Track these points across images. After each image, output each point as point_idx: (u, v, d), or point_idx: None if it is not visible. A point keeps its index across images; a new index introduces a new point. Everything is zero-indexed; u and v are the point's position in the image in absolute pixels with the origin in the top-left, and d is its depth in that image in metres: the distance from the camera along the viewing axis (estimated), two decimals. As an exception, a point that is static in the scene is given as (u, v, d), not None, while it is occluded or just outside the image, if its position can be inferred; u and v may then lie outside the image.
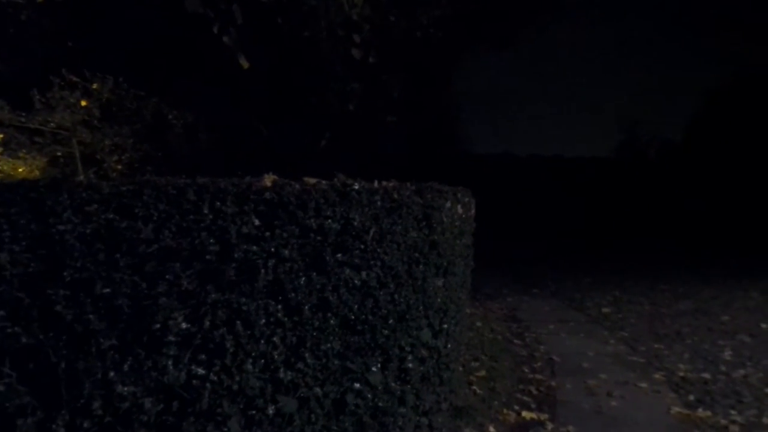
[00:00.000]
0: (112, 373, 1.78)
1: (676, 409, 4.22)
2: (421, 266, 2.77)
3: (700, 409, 4.24)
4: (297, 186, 2.18)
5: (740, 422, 4.00)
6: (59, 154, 9.97)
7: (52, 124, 9.80)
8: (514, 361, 5.40)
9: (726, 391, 4.69)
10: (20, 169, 8.03)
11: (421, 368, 2.86)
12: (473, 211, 4.30)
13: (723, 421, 4.02)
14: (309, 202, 2.15)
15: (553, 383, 4.81)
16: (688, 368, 5.34)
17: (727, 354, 5.83)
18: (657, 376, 5.09)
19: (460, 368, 4.42)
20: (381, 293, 2.45)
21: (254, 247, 1.98)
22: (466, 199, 3.94)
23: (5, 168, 7.57)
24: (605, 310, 7.97)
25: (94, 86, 8.09)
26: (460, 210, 3.49)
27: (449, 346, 3.25)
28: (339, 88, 5.63)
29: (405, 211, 2.61)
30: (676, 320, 7.44)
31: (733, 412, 4.20)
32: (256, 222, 2.02)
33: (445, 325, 3.19)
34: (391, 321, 2.52)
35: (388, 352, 2.53)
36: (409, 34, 6.69)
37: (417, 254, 2.73)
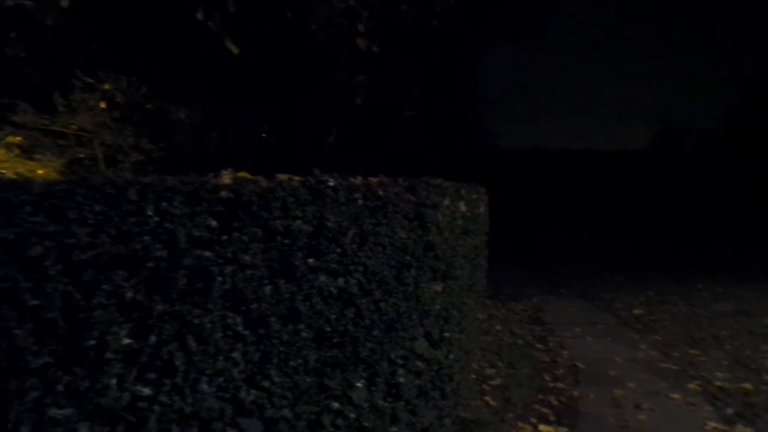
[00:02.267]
0: (44, 395, 1.59)
1: (712, 425, 3.84)
2: (413, 270, 2.51)
3: (739, 425, 3.84)
4: (261, 183, 1.95)
5: (784, 440, 3.61)
6: (82, 155, 10.07)
7: (73, 127, 9.90)
8: (534, 368, 5.07)
9: (769, 404, 4.27)
10: (39, 171, 8.07)
11: (417, 382, 2.60)
12: (483, 209, 4.01)
13: (765, 439, 3.63)
14: (274, 201, 1.91)
15: (576, 393, 4.47)
16: (727, 377, 4.91)
17: (771, 361, 5.36)
18: (692, 385, 4.70)
19: (472, 377, 4.14)
20: (363, 301, 2.20)
21: (207, 253, 1.76)
22: (473, 196, 3.65)
23: (21, 170, 7.62)
24: (636, 311, 7.52)
25: (106, 87, 8.08)
26: (463, 207, 3.20)
27: (452, 356, 2.98)
28: (344, 81, 5.40)
29: (392, 209, 2.35)
30: (714, 323, 6.95)
31: (776, 428, 3.80)
32: (212, 224, 1.79)
33: (447, 334, 2.92)
34: (376, 332, 2.26)
35: (374, 366, 2.28)
36: (424, 23, 6.40)
37: (408, 257, 2.47)
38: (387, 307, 2.32)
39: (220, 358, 1.80)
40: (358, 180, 2.32)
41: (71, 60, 9.61)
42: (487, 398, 4.12)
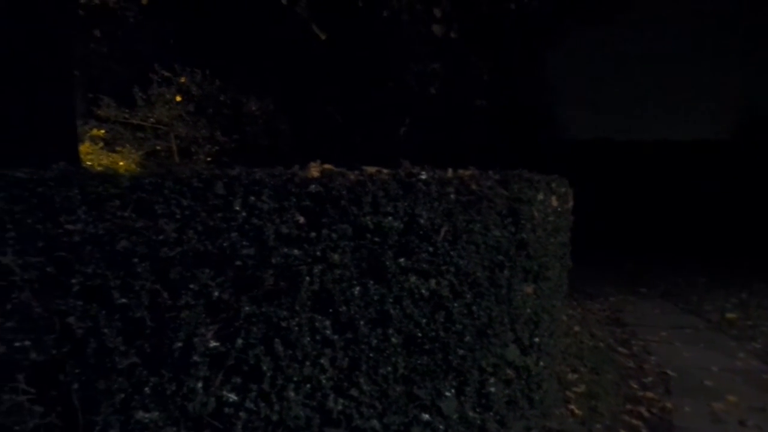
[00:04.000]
0: (131, 396, 1.53)
1: (833, 449, 3.41)
2: (506, 271, 2.31)
3: None
4: (350, 176, 1.81)
5: None
6: (158, 147, 10.46)
7: (151, 120, 10.29)
8: (619, 374, 4.72)
9: None
10: (120, 163, 8.44)
11: (507, 391, 2.40)
12: (571, 203, 3.73)
13: None
14: (364, 195, 1.77)
15: (669, 404, 4.11)
16: None
17: None
18: (803, 401, 4.21)
19: (556, 384, 3.88)
20: (455, 305, 2.03)
21: (296, 251, 1.64)
22: (563, 190, 3.39)
23: (105, 161, 7.98)
24: (730, 315, 6.91)
25: (182, 80, 8.30)
26: (554, 202, 2.96)
27: (541, 363, 2.76)
28: (419, 69, 5.21)
29: (486, 205, 2.16)
30: (823, 331, 6.27)
31: None
32: (300, 220, 1.67)
33: (537, 339, 2.70)
34: (468, 338, 2.09)
35: (464, 374, 2.11)
36: (500, 6, 6.09)
37: (501, 257, 2.27)
38: (479, 310, 2.14)
39: (308, 363, 1.69)
40: (450, 173, 2.14)
41: (149, 55, 9.94)
42: (572, 407, 3.84)
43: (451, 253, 2.00)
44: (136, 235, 1.51)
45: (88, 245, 1.47)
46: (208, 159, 8.76)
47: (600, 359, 5.09)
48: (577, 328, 6.10)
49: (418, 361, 1.92)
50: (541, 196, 2.61)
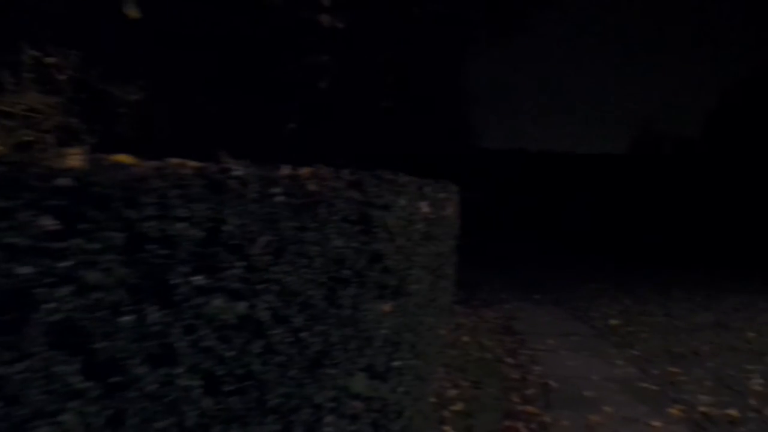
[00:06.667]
0: None
1: (697, 462, 3.42)
2: (352, 287, 1.98)
3: (727, 464, 3.43)
4: (128, 170, 1.40)
5: (780, 485, 3.19)
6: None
7: (21, 106, 9.12)
8: (502, 387, 4.60)
9: (759, 437, 3.88)
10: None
11: (352, 428, 2.07)
12: (452, 210, 3.50)
13: (758, 483, 3.21)
14: (144, 195, 1.36)
15: (548, 418, 4.02)
16: (711, 401, 4.53)
17: (757, 382, 5.00)
18: (673, 410, 4.29)
19: (432, 400, 3.63)
20: (276, 332, 1.67)
21: (28, 268, 1.20)
22: (440, 195, 3.14)
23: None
24: (613, 322, 7.15)
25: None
26: (425, 209, 2.68)
27: (401, 389, 2.46)
28: (309, 61, 4.84)
29: (325, 210, 1.82)
30: (694, 336, 6.63)
31: (770, 469, 3.39)
32: (47, 225, 1.24)
33: (396, 363, 2.40)
34: (294, 371, 1.73)
35: (288, 416, 1.75)
36: (401, 5, 5.87)
37: (346, 271, 1.94)
38: (311, 337, 1.79)
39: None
40: (283, 170, 1.78)
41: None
42: (447, 428, 3.63)
43: (273, 268, 1.64)
44: None
45: None
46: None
47: (485, 372, 4.97)
48: (466, 338, 5.98)
49: (221, 405, 1.54)
50: (402, 202, 2.31)
